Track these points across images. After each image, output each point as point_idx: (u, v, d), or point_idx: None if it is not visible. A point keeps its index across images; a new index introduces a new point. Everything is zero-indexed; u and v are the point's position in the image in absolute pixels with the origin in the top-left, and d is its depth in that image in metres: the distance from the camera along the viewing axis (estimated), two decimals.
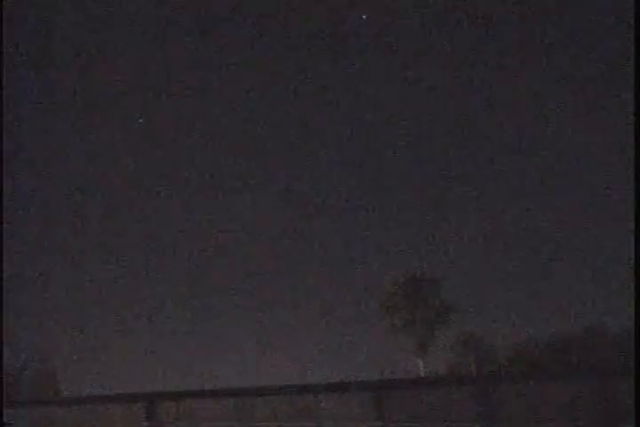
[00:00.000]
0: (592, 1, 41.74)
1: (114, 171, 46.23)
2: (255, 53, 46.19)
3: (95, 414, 27.62)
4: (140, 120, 45.21)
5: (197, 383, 35.23)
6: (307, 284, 43.02)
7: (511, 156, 44.58)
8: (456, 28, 44.44)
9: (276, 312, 41.95)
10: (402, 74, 45.72)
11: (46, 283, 43.80)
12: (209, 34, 45.73)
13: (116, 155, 46.10)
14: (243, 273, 43.84)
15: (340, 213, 45.18)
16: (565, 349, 34.96)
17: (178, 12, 45.69)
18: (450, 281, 39.97)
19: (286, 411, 24.24)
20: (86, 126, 46.12)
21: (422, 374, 38.00)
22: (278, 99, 46.40)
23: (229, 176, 46.25)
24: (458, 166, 45.17)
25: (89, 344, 41.67)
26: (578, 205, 41.93)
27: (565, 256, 41.18)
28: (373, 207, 44.94)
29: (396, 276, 39.94)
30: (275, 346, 40.55)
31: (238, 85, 46.71)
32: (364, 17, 45.15)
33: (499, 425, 22.01)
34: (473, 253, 42.72)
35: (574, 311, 37.19)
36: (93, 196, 45.73)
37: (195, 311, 43.03)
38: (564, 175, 43.47)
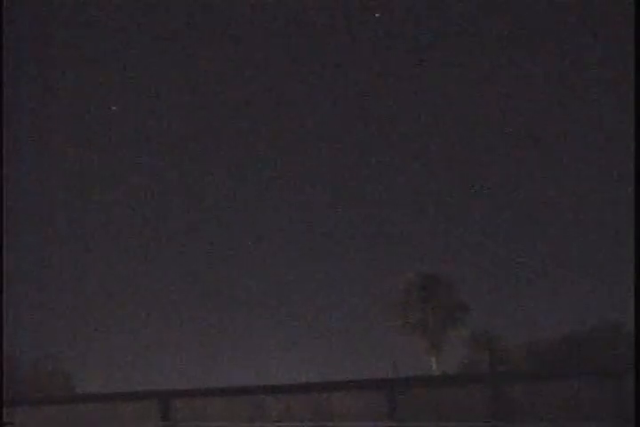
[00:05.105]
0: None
1: (113, 168, 46.32)
2: (260, 51, 46.20)
3: (109, 411, 27.66)
4: (114, 107, 45.08)
5: (211, 382, 35.27)
6: (321, 283, 43.04)
7: (521, 158, 44.52)
8: (465, 27, 44.38)
9: (289, 311, 41.98)
10: (411, 73, 45.67)
11: (59, 281, 43.94)
12: (205, 24, 45.64)
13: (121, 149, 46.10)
14: (256, 272, 43.89)
15: (354, 212, 45.16)
16: (579, 347, 34.85)
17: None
18: (463, 280, 39.91)
19: (299, 409, 24.22)
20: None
21: (435, 373, 37.97)
22: (279, 96, 46.40)
23: (231, 169, 46.25)
24: (470, 168, 45.11)
25: (102, 342, 41.77)
26: (590, 204, 41.79)
27: (580, 254, 41.05)
28: (388, 207, 44.91)
29: (410, 275, 39.91)
30: (288, 344, 40.57)
31: (236, 83, 46.74)
32: (377, 15, 45.11)
33: (512, 423, 21.95)
34: (486, 253, 42.64)
35: (588, 310, 37.06)
36: (94, 192, 45.83)
37: (208, 310, 43.09)
38: (572, 176, 43.39)
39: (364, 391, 24.01)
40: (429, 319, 39.02)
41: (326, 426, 23.51)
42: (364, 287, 41.90)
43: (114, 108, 44.99)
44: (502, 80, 44.68)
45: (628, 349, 31.64)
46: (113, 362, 40.91)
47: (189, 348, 41.48)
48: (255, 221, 45.28)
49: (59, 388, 39.75)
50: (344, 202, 45.08)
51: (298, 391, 24.44)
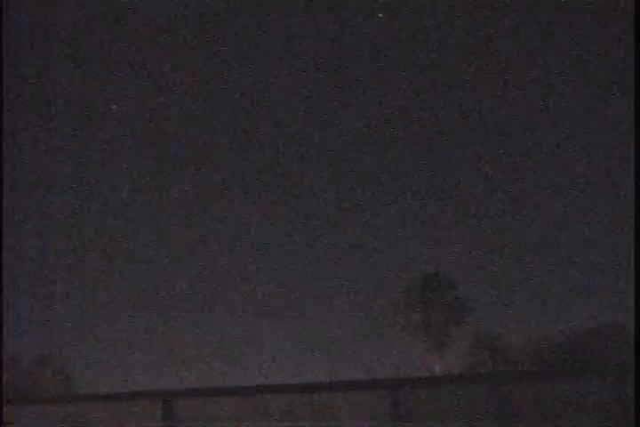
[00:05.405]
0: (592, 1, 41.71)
1: (111, 167, 46.28)
2: (261, 50, 46.17)
3: (110, 411, 27.63)
4: (114, 106, 45.05)
5: (211, 382, 35.26)
6: (322, 283, 42.99)
7: (522, 158, 44.47)
8: (468, 27, 44.33)
9: (290, 311, 41.92)
10: (416, 73, 45.61)
11: (60, 281, 43.90)
12: (210, 23, 45.57)
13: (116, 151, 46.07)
14: (256, 272, 43.83)
15: (355, 212, 45.11)
16: (581, 347, 34.76)
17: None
18: (465, 280, 39.86)
19: (300, 409, 24.18)
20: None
21: (438, 373, 37.89)
22: (280, 94, 46.35)
23: (232, 168, 46.20)
24: (473, 167, 45.06)
25: (103, 342, 41.74)
26: (591, 203, 41.71)
27: (582, 254, 40.97)
28: (390, 207, 44.85)
29: (412, 274, 39.86)
30: (290, 344, 40.52)
31: (236, 81, 46.70)
32: (381, 15, 45.06)
33: (514, 424, 21.89)
34: (488, 252, 42.57)
35: (591, 309, 36.98)
36: (94, 192, 45.81)
37: (210, 310, 43.06)
38: (573, 176, 43.33)
39: (365, 391, 23.95)
40: (431, 319, 38.94)
41: (327, 426, 23.47)
42: (366, 287, 41.85)
43: (114, 106, 44.96)
44: (504, 79, 44.60)
45: (629, 349, 31.59)
46: (114, 362, 40.88)
47: (191, 348, 41.44)
48: (256, 221, 45.22)
49: (59, 388, 39.74)
50: (345, 202, 45.01)
51: (298, 391, 24.38)
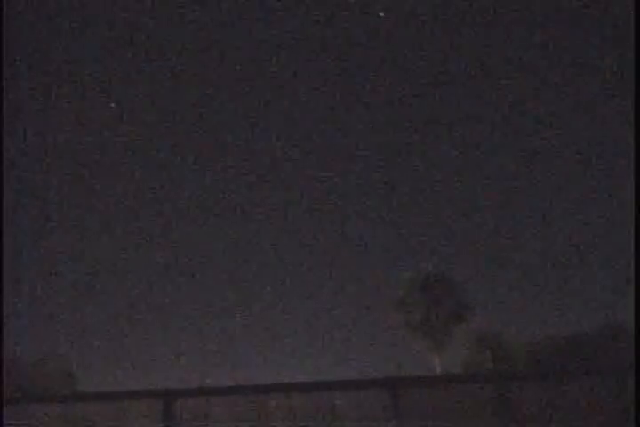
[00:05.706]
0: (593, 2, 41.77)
1: (112, 161, 46.29)
2: (261, 50, 46.22)
3: (110, 411, 27.63)
4: (113, 104, 45.13)
5: (212, 381, 35.26)
6: (324, 281, 43.02)
7: (523, 158, 44.50)
8: (469, 27, 44.35)
9: (291, 310, 41.96)
10: (415, 72, 45.64)
11: (61, 280, 43.94)
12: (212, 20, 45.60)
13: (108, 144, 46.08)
14: (257, 272, 43.87)
15: (356, 211, 45.13)
16: (583, 347, 34.79)
17: None
18: (466, 279, 39.89)
19: (300, 409, 24.19)
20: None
21: (438, 372, 37.90)
22: (279, 93, 46.39)
23: (232, 168, 46.26)
24: (471, 167, 45.10)
25: (105, 341, 41.78)
26: (591, 204, 41.75)
27: (583, 254, 41.00)
28: (392, 206, 44.88)
29: (413, 274, 39.86)
30: (290, 343, 40.56)
31: (236, 81, 46.74)
32: (381, 15, 45.09)
33: (515, 424, 21.90)
34: (489, 252, 42.60)
35: (591, 309, 37.01)
36: (94, 191, 45.84)
37: (209, 308, 43.09)
38: (574, 177, 43.36)
39: (365, 391, 23.96)
40: (432, 319, 38.96)
41: (327, 426, 23.47)
42: (367, 286, 41.88)
43: (112, 105, 45.03)
44: (505, 79, 44.62)
45: (629, 349, 31.58)
46: (115, 361, 40.92)
47: (191, 347, 41.48)
48: (256, 221, 45.27)
49: (61, 387, 39.78)
50: (345, 201, 45.04)
51: (298, 391, 24.39)
